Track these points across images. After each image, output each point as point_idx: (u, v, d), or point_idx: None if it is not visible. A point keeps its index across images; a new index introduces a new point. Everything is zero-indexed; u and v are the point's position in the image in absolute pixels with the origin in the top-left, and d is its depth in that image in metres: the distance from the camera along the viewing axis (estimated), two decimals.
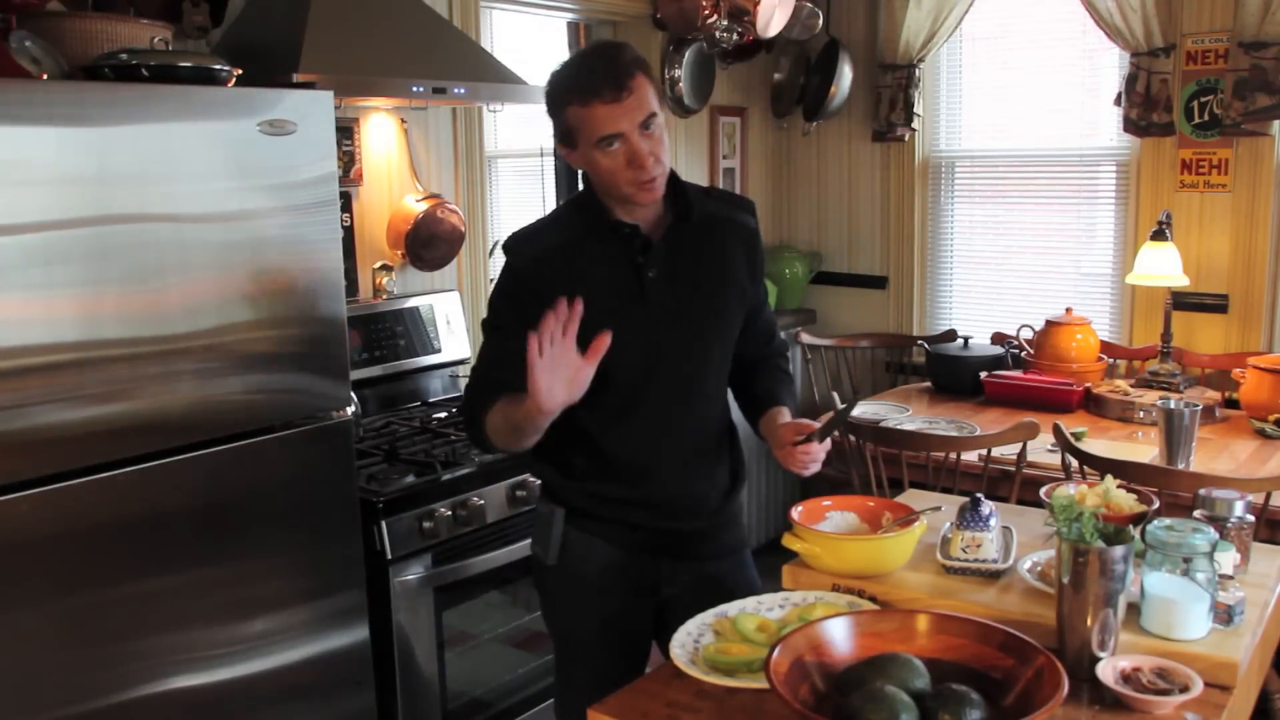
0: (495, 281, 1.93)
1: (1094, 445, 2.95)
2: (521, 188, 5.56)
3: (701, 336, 1.90)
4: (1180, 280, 3.48)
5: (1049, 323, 3.72)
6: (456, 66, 2.83)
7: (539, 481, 2.03)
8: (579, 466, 1.92)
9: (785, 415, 1.93)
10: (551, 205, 4.87)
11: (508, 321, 1.86)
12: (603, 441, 1.88)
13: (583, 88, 1.75)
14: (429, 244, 3.23)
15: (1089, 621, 1.41)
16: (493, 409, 1.82)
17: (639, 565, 1.93)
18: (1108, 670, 1.39)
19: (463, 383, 3.34)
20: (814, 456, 1.79)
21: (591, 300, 1.78)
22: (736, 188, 4.52)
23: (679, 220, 1.88)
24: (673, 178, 1.89)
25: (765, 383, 2.04)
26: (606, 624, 1.93)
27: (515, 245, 1.90)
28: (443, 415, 3.11)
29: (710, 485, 1.96)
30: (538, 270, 1.84)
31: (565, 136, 1.82)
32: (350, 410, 2.36)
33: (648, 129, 1.76)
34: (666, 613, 1.93)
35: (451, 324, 3.31)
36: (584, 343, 1.78)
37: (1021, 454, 2.85)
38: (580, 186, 4.53)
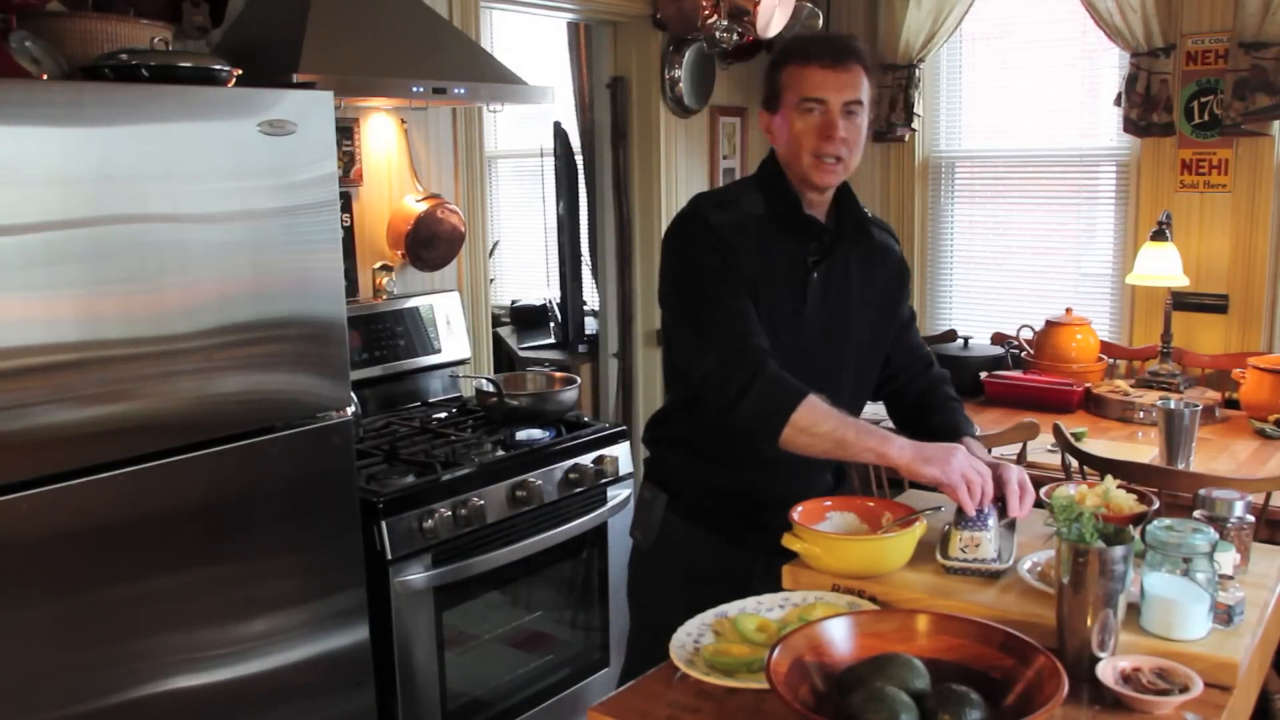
0: (681, 244, 1.86)
1: (1094, 445, 2.95)
2: (521, 188, 5.56)
3: (846, 347, 1.92)
4: (1180, 280, 3.48)
5: (1049, 323, 3.72)
6: (456, 66, 2.83)
7: (643, 463, 2.06)
8: (700, 444, 1.92)
9: (972, 445, 1.88)
10: (552, 205, 4.87)
11: (724, 276, 1.80)
12: (731, 431, 1.84)
13: (806, 49, 1.84)
14: (429, 244, 3.23)
15: (1089, 621, 1.41)
16: (810, 406, 1.73)
17: (734, 558, 1.93)
18: (1108, 670, 1.39)
19: (463, 383, 3.34)
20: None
21: (760, 284, 1.84)
22: None
23: (853, 236, 1.91)
24: (846, 193, 1.92)
25: (943, 417, 2.00)
26: (692, 614, 1.89)
27: (710, 203, 1.90)
28: (443, 415, 3.11)
29: (813, 488, 1.95)
30: (729, 231, 1.84)
31: (771, 97, 1.88)
32: (350, 410, 2.36)
33: (851, 112, 1.81)
34: None
35: (451, 324, 3.31)
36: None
37: (1021, 454, 2.85)
38: (582, 185, 4.54)
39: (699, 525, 1.95)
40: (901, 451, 1.72)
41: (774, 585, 1.86)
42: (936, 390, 2.07)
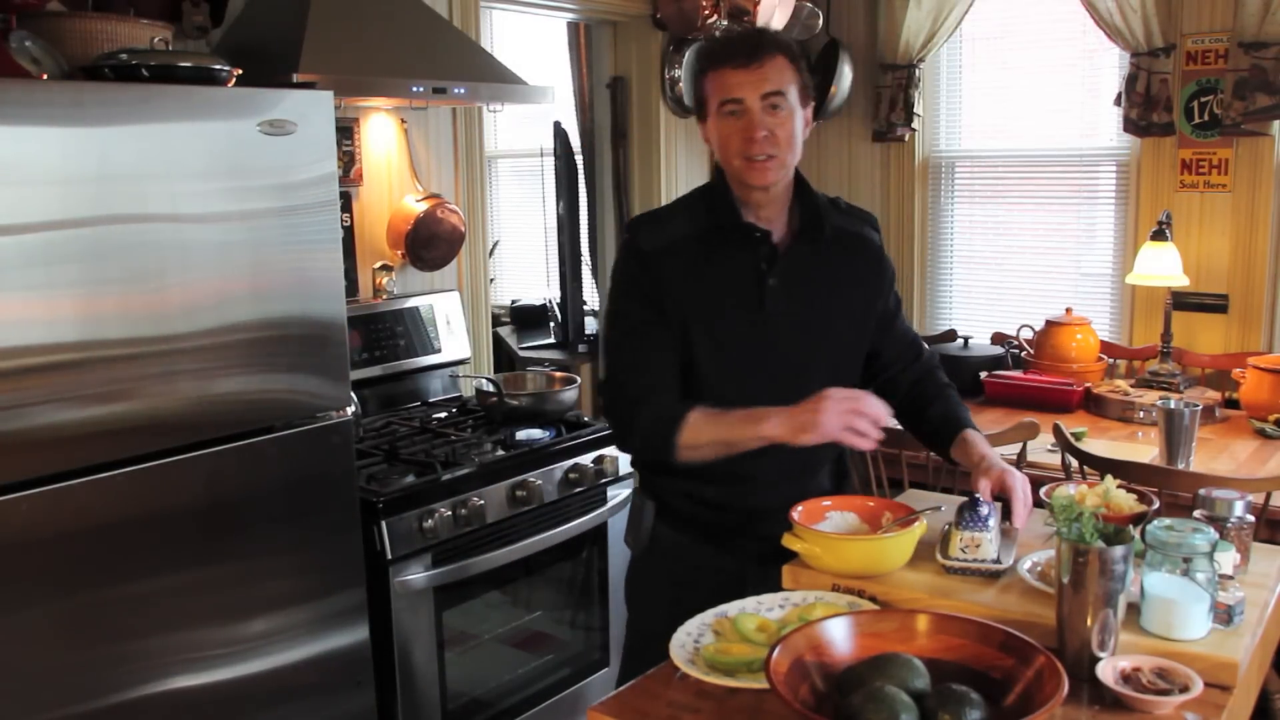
0: (618, 268, 1.88)
1: (1094, 445, 2.95)
2: (521, 188, 5.56)
3: (812, 352, 1.87)
4: (1180, 280, 3.48)
5: (1049, 323, 3.72)
6: (456, 66, 2.83)
7: (635, 472, 2.04)
8: (678, 468, 1.87)
9: (978, 447, 1.86)
10: (552, 205, 4.87)
11: (644, 317, 1.83)
12: None
13: (716, 53, 1.79)
14: (429, 244, 3.23)
15: (1089, 621, 1.41)
16: (696, 416, 1.76)
17: (725, 566, 1.90)
18: (1108, 670, 1.39)
19: (463, 383, 3.34)
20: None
21: (708, 299, 1.81)
22: None
23: (807, 231, 1.86)
24: (803, 186, 1.87)
25: (940, 407, 1.97)
26: (682, 621, 1.89)
27: (643, 229, 1.87)
28: (443, 415, 3.11)
29: (808, 496, 1.88)
30: (662, 259, 1.82)
31: (699, 107, 1.84)
32: (350, 410, 2.36)
33: (774, 106, 1.76)
34: None
35: (451, 324, 3.31)
36: (696, 340, 1.81)
37: (1021, 454, 2.85)
38: (582, 185, 4.54)
39: (687, 534, 1.93)
40: (778, 428, 1.69)
41: (765, 592, 1.86)
42: (929, 378, 2.02)
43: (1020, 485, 1.76)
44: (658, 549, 1.96)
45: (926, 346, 2.08)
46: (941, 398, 1.99)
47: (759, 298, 1.82)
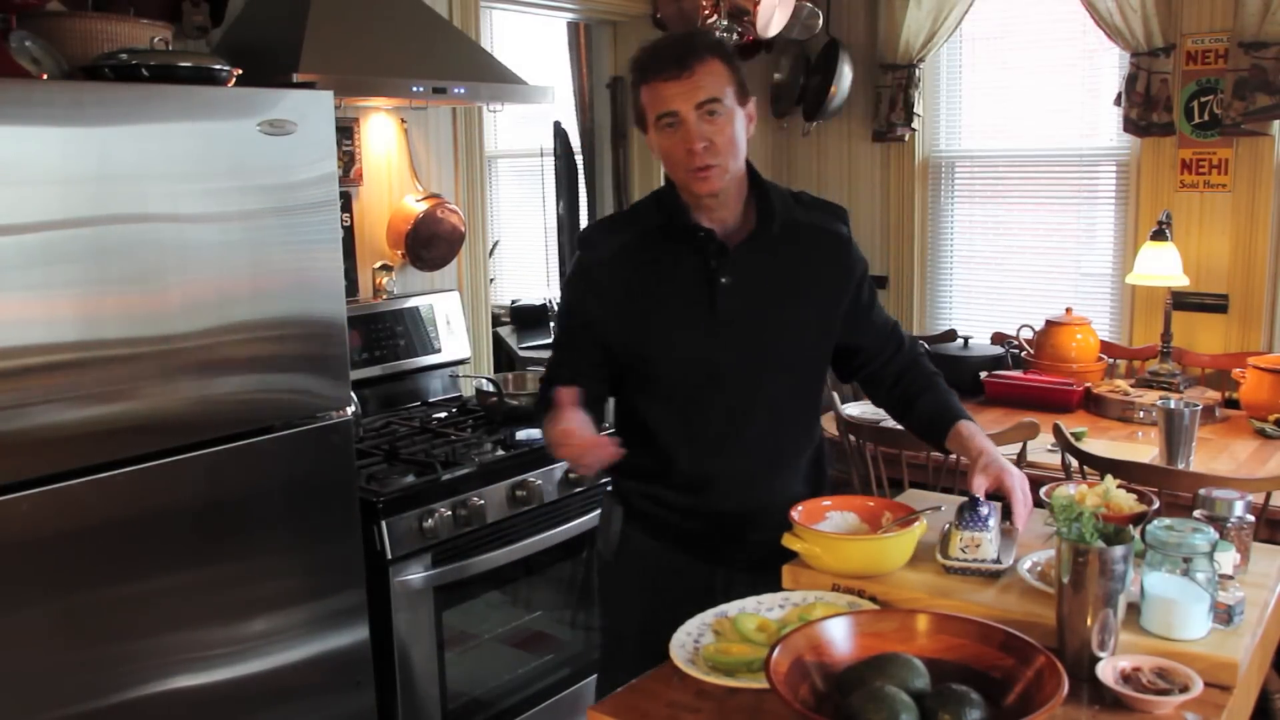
0: (567, 274, 1.93)
1: (1094, 445, 2.95)
2: (521, 188, 5.56)
3: (770, 349, 1.84)
4: (1180, 280, 3.48)
5: (1049, 323, 3.72)
6: (456, 66, 2.83)
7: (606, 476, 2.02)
8: (642, 469, 1.89)
9: (976, 440, 1.84)
10: (551, 205, 4.87)
11: (572, 324, 1.87)
12: (664, 445, 1.85)
13: (647, 65, 1.75)
14: (429, 244, 3.23)
15: (1089, 621, 1.41)
16: (546, 416, 1.79)
17: (694, 570, 1.89)
18: (1108, 670, 1.39)
19: (463, 383, 3.35)
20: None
21: (659, 303, 1.80)
22: None
23: (760, 227, 1.82)
24: (757, 181, 1.84)
25: (930, 399, 1.93)
26: (657, 624, 1.83)
27: (588, 238, 1.89)
28: (443, 415, 3.11)
29: (775, 500, 1.86)
30: (607, 268, 1.82)
31: (640, 120, 1.81)
32: (350, 410, 2.36)
33: (710, 114, 1.71)
34: None
35: (451, 324, 3.31)
36: (649, 344, 1.81)
37: (1021, 454, 2.85)
38: (582, 185, 4.54)
39: (655, 538, 1.92)
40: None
41: (736, 595, 1.85)
42: (915, 369, 1.97)
43: (1019, 484, 1.74)
44: (627, 553, 1.94)
45: (908, 336, 2.03)
46: (930, 388, 1.95)
47: (710, 298, 1.79)
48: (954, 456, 2.88)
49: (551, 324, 5.00)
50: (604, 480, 2.60)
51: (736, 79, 1.76)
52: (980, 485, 1.74)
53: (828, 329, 1.90)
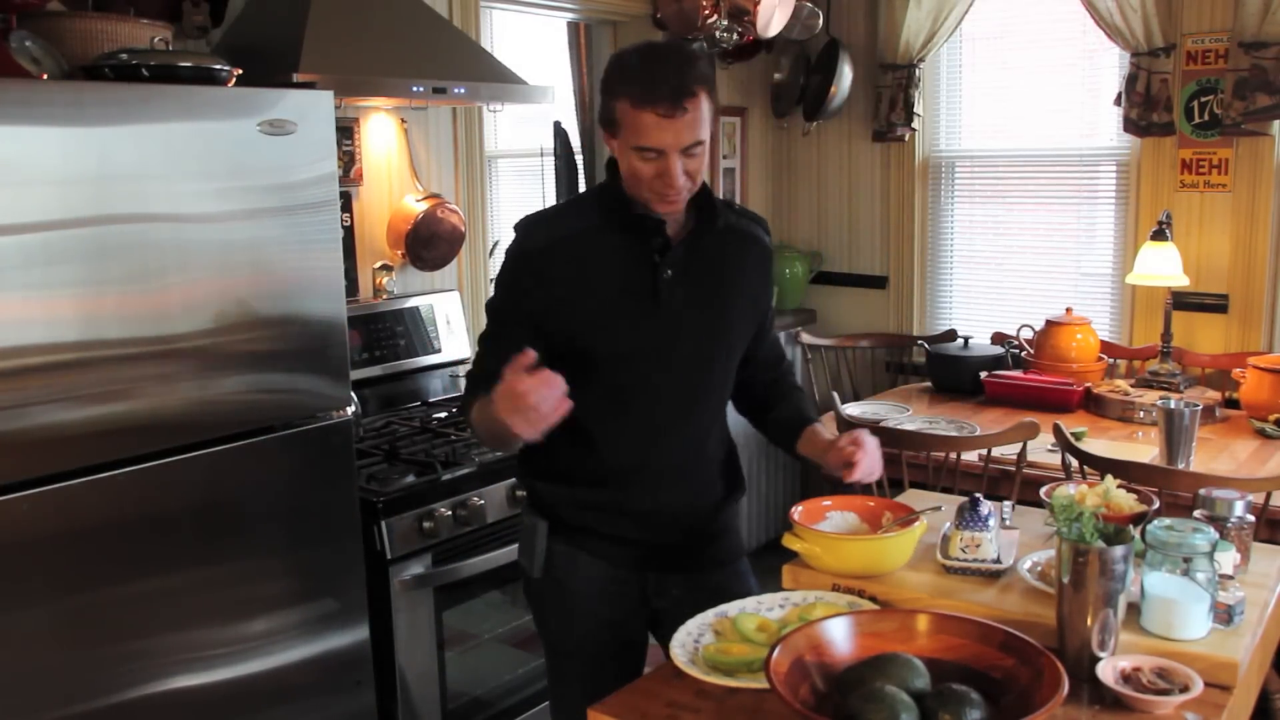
0: (502, 265, 1.87)
1: (1094, 445, 2.95)
2: (521, 188, 5.56)
3: (708, 345, 1.86)
4: (1180, 280, 3.48)
5: (1049, 323, 3.72)
6: (456, 66, 2.83)
7: (524, 492, 2.00)
8: (567, 467, 1.88)
9: (824, 432, 1.92)
10: (551, 205, 4.87)
11: (509, 310, 1.83)
12: (594, 438, 1.84)
13: (639, 89, 1.67)
14: (429, 244, 3.23)
15: (1089, 621, 1.41)
16: (475, 408, 1.76)
17: (624, 579, 1.90)
18: (1108, 670, 1.39)
19: (463, 383, 3.34)
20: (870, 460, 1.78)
21: (601, 293, 1.78)
22: (737, 188, 4.52)
23: (701, 226, 1.83)
24: (702, 189, 1.84)
25: (789, 407, 2.01)
26: (596, 635, 1.90)
27: (529, 227, 1.85)
28: (443, 415, 3.11)
29: (699, 497, 1.92)
30: (549, 256, 1.79)
31: (608, 123, 1.76)
32: (350, 410, 2.36)
33: (690, 153, 1.71)
34: (663, 621, 1.89)
35: (451, 324, 3.31)
36: (590, 334, 1.79)
37: (1021, 454, 2.85)
38: (582, 184, 4.54)
39: (581, 549, 1.90)
40: (496, 420, 1.63)
41: (669, 597, 1.86)
42: (782, 381, 2.05)
43: (868, 441, 1.78)
44: (554, 568, 1.91)
45: (786, 355, 2.11)
46: (789, 399, 2.02)
47: (653, 289, 1.79)
48: (954, 456, 2.91)
49: None
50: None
51: (716, 107, 1.75)
52: (837, 457, 1.77)
53: (748, 332, 1.94)
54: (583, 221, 1.82)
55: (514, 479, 2.70)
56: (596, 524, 1.88)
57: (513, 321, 1.83)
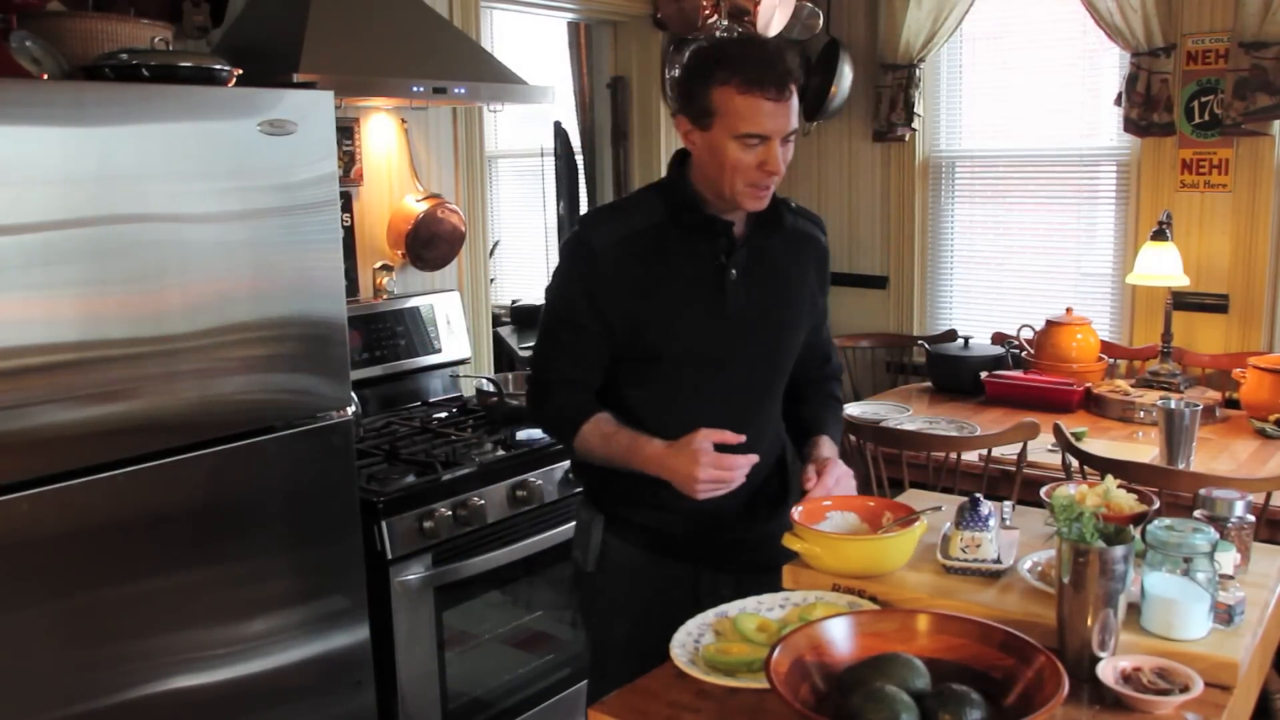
0: (563, 259, 1.87)
1: (1094, 445, 2.95)
2: (521, 188, 5.56)
3: (770, 346, 1.88)
4: (1180, 280, 3.48)
5: (1049, 323, 3.72)
6: (456, 66, 2.83)
7: (580, 488, 2.01)
8: (624, 471, 1.86)
9: (824, 449, 1.91)
10: (552, 205, 4.87)
11: (576, 307, 1.82)
12: (653, 434, 1.81)
13: (748, 74, 1.67)
14: (429, 244, 3.23)
15: (1089, 621, 1.41)
16: (592, 426, 1.81)
17: (677, 575, 1.89)
18: (1108, 670, 1.39)
19: (463, 383, 3.34)
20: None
21: (667, 292, 1.80)
22: None
23: (765, 227, 1.84)
24: None
25: (813, 408, 2.00)
26: (644, 632, 1.84)
27: (594, 222, 1.84)
28: (443, 415, 3.11)
29: (756, 496, 1.91)
30: (613, 251, 1.79)
31: (699, 113, 1.73)
32: (350, 410, 2.36)
33: (788, 139, 1.73)
34: None
35: (452, 324, 3.31)
36: (655, 333, 1.81)
37: (1022, 454, 2.85)
38: (583, 185, 4.54)
39: (636, 545, 1.91)
40: (646, 463, 1.77)
41: (720, 598, 1.83)
42: (824, 384, 2.04)
43: (834, 470, 1.82)
44: (608, 563, 1.92)
45: (837, 360, 2.11)
46: (818, 403, 2.01)
47: (720, 289, 1.81)
48: (954, 456, 2.91)
49: None
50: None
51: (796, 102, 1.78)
52: (810, 471, 1.83)
53: (806, 330, 1.95)
54: (649, 219, 1.82)
55: (513, 479, 2.70)
56: (652, 520, 1.88)
57: (581, 319, 1.83)
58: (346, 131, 3.04)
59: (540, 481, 2.73)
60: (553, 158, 4.74)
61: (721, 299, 1.81)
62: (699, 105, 1.73)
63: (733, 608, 1.62)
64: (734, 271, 1.81)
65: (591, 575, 1.95)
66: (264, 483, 2.16)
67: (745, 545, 1.91)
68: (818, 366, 2.04)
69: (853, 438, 3.03)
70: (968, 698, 1.21)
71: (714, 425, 1.82)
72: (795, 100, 1.73)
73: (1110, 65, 3.93)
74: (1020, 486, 2.82)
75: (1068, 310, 3.75)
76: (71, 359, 1.86)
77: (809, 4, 4.10)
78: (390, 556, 2.44)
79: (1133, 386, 3.49)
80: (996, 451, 2.91)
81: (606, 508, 1.92)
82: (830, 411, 2.01)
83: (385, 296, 3.18)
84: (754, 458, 1.72)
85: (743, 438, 1.72)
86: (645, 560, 1.90)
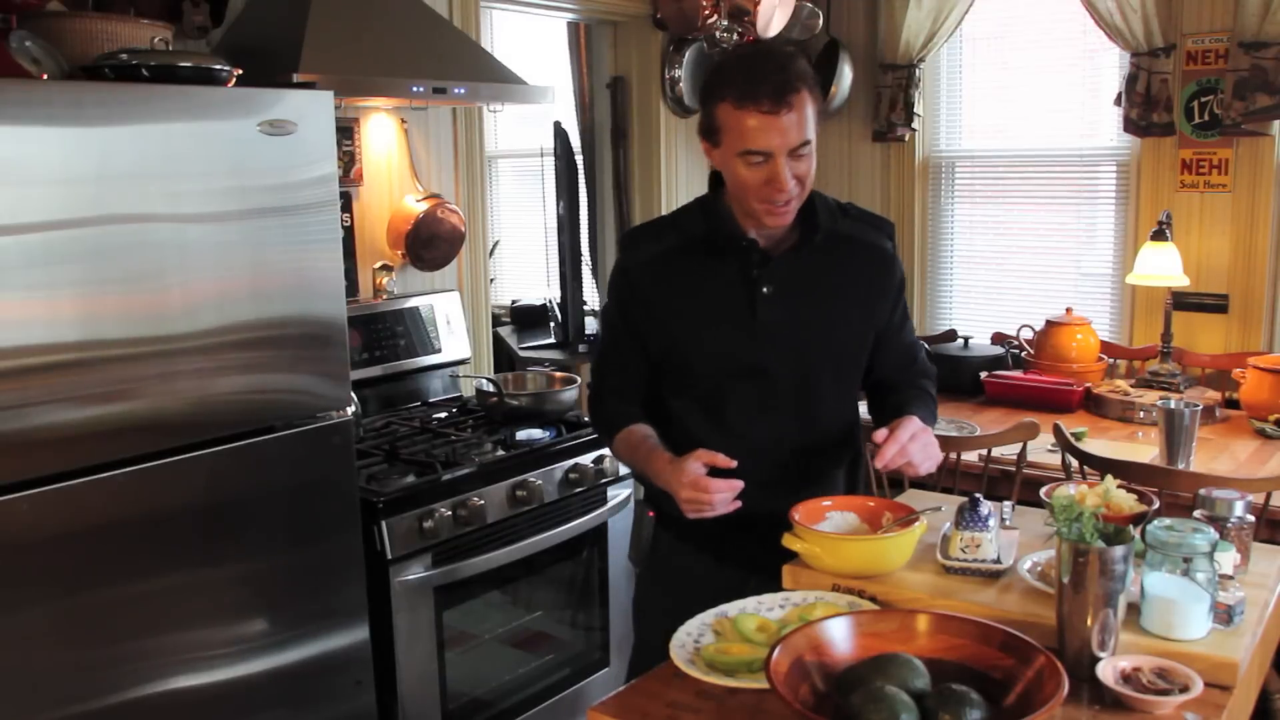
0: (612, 274, 1.92)
1: (1094, 445, 2.95)
2: (521, 188, 5.56)
3: (809, 360, 1.84)
4: (1180, 280, 3.48)
5: (1049, 323, 3.72)
6: (456, 66, 2.83)
7: (641, 484, 2.02)
8: None
9: (909, 416, 1.81)
10: (552, 205, 4.87)
11: (617, 322, 1.89)
12: (699, 444, 1.78)
13: (741, 87, 1.64)
14: (429, 244, 3.23)
15: (1089, 621, 1.41)
16: (623, 436, 1.86)
17: (725, 577, 1.85)
18: (1108, 670, 1.39)
19: (463, 383, 3.35)
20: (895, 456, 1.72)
21: (697, 309, 1.80)
22: None
23: (804, 238, 1.81)
24: (808, 199, 1.80)
25: (900, 397, 1.92)
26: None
27: (631, 243, 1.88)
28: (443, 415, 3.11)
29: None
30: (647, 273, 1.82)
31: (709, 131, 1.73)
32: (350, 410, 2.36)
33: (799, 153, 1.67)
34: None
35: (451, 324, 3.31)
36: (686, 350, 1.82)
37: (1021, 454, 2.85)
38: (583, 185, 4.54)
39: (688, 544, 1.91)
40: (655, 477, 1.79)
41: None
42: (913, 380, 1.99)
43: (909, 425, 1.72)
44: (659, 560, 1.94)
45: (927, 361, 2.04)
46: (906, 395, 1.93)
47: (751, 306, 1.80)
48: (954, 456, 2.91)
49: (552, 324, 5.02)
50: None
51: (819, 104, 1.71)
52: (880, 433, 1.74)
53: (864, 340, 1.91)
54: (685, 235, 1.83)
55: (513, 479, 2.70)
56: (704, 525, 1.81)
57: (620, 335, 1.90)
58: (346, 131, 3.04)
59: (540, 481, 2.73)
60: (552, 158, 4.74)
61: (752, 315, 1.80)
62: (708, 124, 1.72)
63: (732, 608, 1.62)
64: (766, 288, 1.79)
65: (642, 575, 1.99)
66: (264, 483, 2.16)
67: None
68: (904, 368, 1.99)
69: None
70: (968, 698, 1.21)
71: (754, 437, 1.84)
72: (806, 110, 1.66)
73: (1110, 65, 3.93)
74: (1020, 486, 2.82)
75: (1068, 310, 3.75)
76: (71, 359, 1.86)
77: (809, 4, 4.10)
78: (390, 556, 2.44)
79: (1133, 386, 3.49)
80: (996, 451, 2.91)
81: (660, 504, 1.91)
82: (918, 399, 1.93)
83: (385, 296, 3.19)
84: (739, 484, 1.68)
85: (734, 463, 1.69)
86: (694, 562, 1.91)
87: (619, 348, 1.92)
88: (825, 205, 1.85)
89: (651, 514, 1.96)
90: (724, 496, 1.67)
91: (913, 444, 1.73)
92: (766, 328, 1.81)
